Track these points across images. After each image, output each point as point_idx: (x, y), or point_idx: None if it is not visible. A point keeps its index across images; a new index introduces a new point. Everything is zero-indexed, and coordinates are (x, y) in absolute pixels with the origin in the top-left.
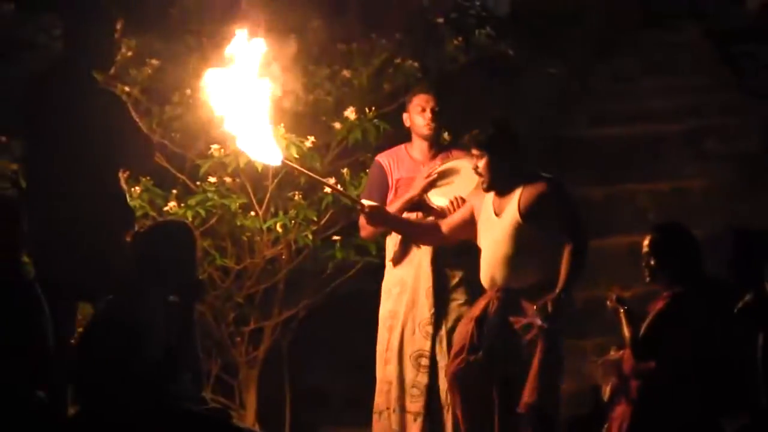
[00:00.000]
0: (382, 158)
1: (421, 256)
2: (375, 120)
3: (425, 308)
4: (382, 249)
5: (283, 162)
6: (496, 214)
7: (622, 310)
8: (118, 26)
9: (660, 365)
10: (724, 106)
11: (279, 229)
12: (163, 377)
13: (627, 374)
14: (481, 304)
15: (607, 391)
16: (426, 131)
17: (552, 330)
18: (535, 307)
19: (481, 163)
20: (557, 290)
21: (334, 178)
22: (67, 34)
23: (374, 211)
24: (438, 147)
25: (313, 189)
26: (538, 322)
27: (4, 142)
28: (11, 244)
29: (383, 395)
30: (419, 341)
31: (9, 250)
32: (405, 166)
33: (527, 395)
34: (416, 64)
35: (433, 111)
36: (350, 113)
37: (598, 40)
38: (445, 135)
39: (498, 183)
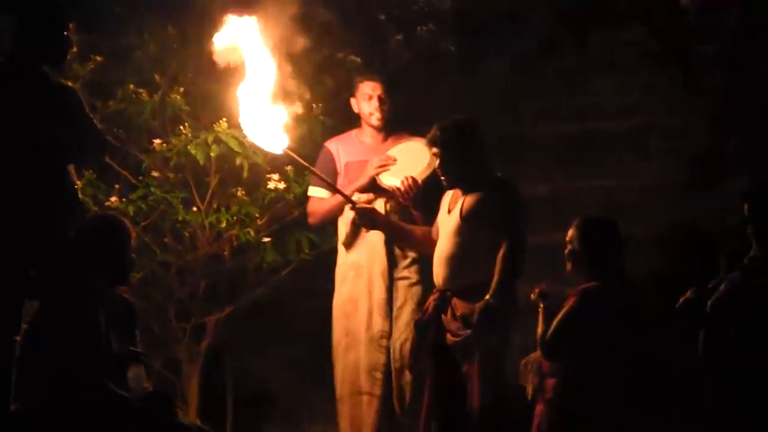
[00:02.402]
0: (331, 144)
1: (374, 237)
2: (320, 116)
3: (382, 289)
4: (314, 247)
5: (284, 151)
6: (448, 211)
7: (540, 306)
8: (71, 24)
9: (571, 363)
10: (670, 104)
11: (221, 224)
12: (104, 372)
13: (544, 372)
14: (421, 312)
15: (530, 390)
16: (374, 121)
17: (486, 338)
18: (464, 312)
19: (439, 162)
20: (487, 297)
21: (278, 175)
22: (19, 29)
23: (364, 212)
24: (388, 131)
25: (256, 185)
26: (464, 331)
27: None
28: None
29: (347, 383)
30: (379, 322)
31: None
32: (354, 150)
33: (474, 402)
34: (359, 60)
35: (380, 98)
36: (298, 107)
37: (543, 37)
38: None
39: (455, 181)
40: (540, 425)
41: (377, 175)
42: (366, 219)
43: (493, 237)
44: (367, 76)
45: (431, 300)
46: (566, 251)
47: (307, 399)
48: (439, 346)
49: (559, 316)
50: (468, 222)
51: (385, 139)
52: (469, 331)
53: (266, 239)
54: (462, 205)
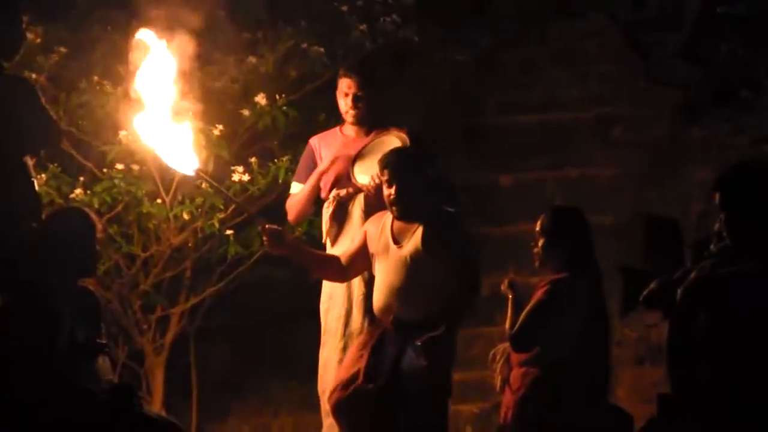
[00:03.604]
0: (314, 140)
1: (354, 232)
2: (284, 107)
3: (361, 284)
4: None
5: (196, 172)
6: (396, 243)
7: (510, 296)
8: (24, 16)
9: (540, 354)
10: (632, 94)
11: (185, 216)
12: (69, 364)
13: (512, 363)
14: (374, 334)
15: (498, 381)
16: (349, 118)
17: (436, 366)
18: (419, 342)
19: (393, 190)
20: (439, 329)
21: (242, 167)
22: None
23: (273, 234)
24: (371, 125)
25: (221, 177)
26: (422, 361)
27: None
28: None
29: (323, 380)
30: (358, 319)
31: None
32: (335, 144)
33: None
34: (322, 50)
35: (354, 96)
36: (261, 99)
37: (505, 28)
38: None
39: (409, 211)
40: (506, 415)
41: (335, 158)
42: (275, 242)
43: (449, 268)
44: (344, 72)
45: (389, 330)
46: (536, 242)
47: (272, 391)
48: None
49: (528, 307)
50: (428, 252)
51: (368, 133)
52: (424, 363)
53: (229, 231)
54: (419, 236)
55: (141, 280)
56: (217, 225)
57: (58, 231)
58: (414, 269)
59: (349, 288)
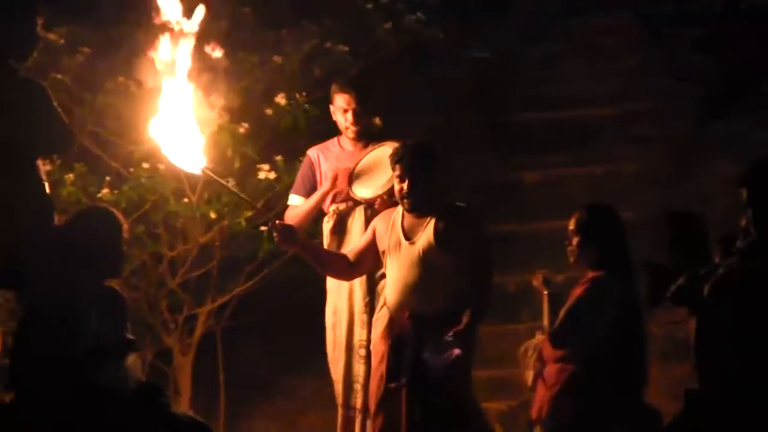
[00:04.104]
0: (312, 152)
1: (355, 244)
2: (306, 105)
3: (360, 297)
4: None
5: (203, 171)
6: (407, 239)
7: (545, 293)
8: (39, 18)
9: (577, 351)
10: (655, 90)
11: (212, 215)
12: (95, 364)
13: (546, 358)
14: (395, 331)
15: (530, 376)
16: (349, 134)
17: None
18: (451, 334)
19: (406, 184)
20: (465, 323)
21: (268, 165)
22: None
23: (285, 230)
24: (368, 138)
25: (247, 175)
26: (456, 351)
27: None
28: None
29: (338, 395)
30: (359, 332)
31: None
32: (335, 157)
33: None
34: (346, 49)
35: (354, 112)
36: (281, 99)
37: (528, 24)
38: (377, 120)
39: (420, 205)
40: (540, 411)
41: (335, 177)
42: (287, 238)
43: (466, 264)
44: (341, 89)
45: (408, 326)
46: (570, 240)
47: (300, 389)
48: (417, 366)
49: (569, 304)
50: (442, 247)
51: (366, 146)
52: (458, 351)
53: (262, 228)
54: (431, 231)
55: (168, 279)
56: (244, 223)
57: (83, 231)
58: (427, 264)
59: (350, 300)
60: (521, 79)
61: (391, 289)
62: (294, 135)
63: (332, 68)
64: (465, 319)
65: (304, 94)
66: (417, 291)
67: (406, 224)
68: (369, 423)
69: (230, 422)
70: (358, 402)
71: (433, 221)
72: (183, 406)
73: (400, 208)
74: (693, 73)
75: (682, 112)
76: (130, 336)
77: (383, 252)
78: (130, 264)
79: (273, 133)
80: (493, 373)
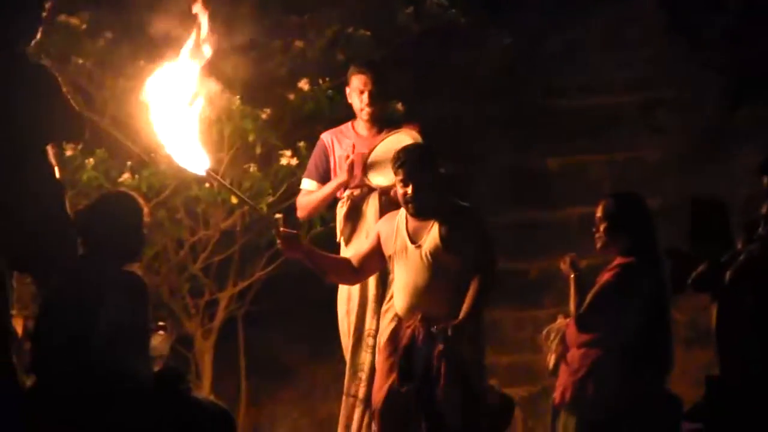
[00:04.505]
0: (326, 136)
1: (369, 230)
2: (329, 91)
3: (373, 286)
4: (324, 223)
5: (207, 173)
6: (413, 242)
7: (572, 276)
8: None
9: (603, 336)
10: (678, 77)
11: (233, 200)
12: (114, 348)
13: (570, 343)
14: (407, 333)
15: (552, 360)
16: (364, 116)
17: (454, 358)
18: (435, 328)
19: (409, 189)
20: (460, 317)
21: (290, 151)
22: None
23: (288, 237)
24: (382, 123)
25: (269, 161)
26: (439, 345)
27: None
28: None
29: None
30: (369, 320)
31: None
32: (348, 143)
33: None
34: (369, 33)
35: (370, 93)
36: (304, 84)
37: (551, 11)
38: (399, 106)
39: (425, 209)
40: (564, 396)
41: (350, 167)
42: (290, 245)
43: (470, 263)
44: (358, 69)
45: (419, 328)
46: (597, 227)
47: (321, 375)
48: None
49: (596, 288)
50: (448, 249)
51: (380, 131)
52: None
53: (278, 215)
54: (436, 233)
55: (189, 264)
56: (265, 208)
57: (104, 215)
58: (434, 266)
59: (363, 289)
60: (545, 66)
61: (399, 293)
62: (316, 121)
63: (354, 53)
64: (461, 314)
65: (327, 79)
66: (426, 294)
67: (410, 228)
68: (368, 413)
69: (251, 407)
70: (361, 392)
71: (437, 224)
72: (204, 390)
73: (403, 211)
74: (716, 61)
75: (705, 100)
76: (160, 323)
77: (389, 257)
78: (151, 249)
79: (295, 119)
80: (515, 359)
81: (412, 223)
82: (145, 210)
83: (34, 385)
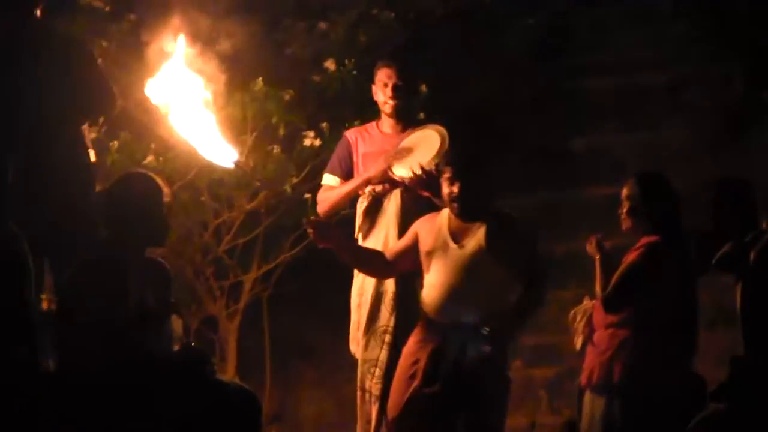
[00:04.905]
0: (350, 134)
1: (389, 226)
2: (353, 72)
3: (391, 282)
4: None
5: (235, 164)
6: (456, 243)
7: (598, 257)
8: None
9: (630, 316)
10: (704, 56)
11: (257, 182)
12: (139, 329)
13: (597, 324)
14: (432, 335)
15: (579, 341)
16: (387, 109)
17: (494, 361)
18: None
19: (456, 188)
20: (507, 324)
21: (313, 132)
22: None
23: (321, 227)
24: (408, 120)
25: (292, 143)
26: (485, 348)
27: None
28: None
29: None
30: (385, 316)
31: None
32: (373, 141)
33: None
34: (392, 15)
35: (395, 86)
36: (330, 64)
37: None
38: (423, 88)
39: (469, 210)
40: (591, 377)
41: (385, 168)
42: (323, 235)
43: (515, 271)
44: (383, 63)
45: (449, 332)
46: (622, 207)
47: (345, 356)
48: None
49: (622, 268)
50: (493, 253)
51: (404, 129)
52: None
53: (307, 195)
54: (482, 236)
55: (213, 246)
56: (289, 190)
57: (122, 195)
58: (475, 269)
59: (378, 283)
60: (571, 46)
61: (432, 292)
62: (339, 102)
63: (378, 36)
64: (507, 321)
65: (352, 60)
66: (461, 295)
67: (453, 227)
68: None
69: (276, 388)
70: (375, 388)
71: (484, 227)
72: (229, 373)
73: (444, 212)
74: (743, 40)
75: (731, 79)
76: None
77: (427, 253)
78: (175, 231)
79: (318, 100)
80: (540, 340)
81: (456, 222)
82: (165, 190)
83: (59, 367)
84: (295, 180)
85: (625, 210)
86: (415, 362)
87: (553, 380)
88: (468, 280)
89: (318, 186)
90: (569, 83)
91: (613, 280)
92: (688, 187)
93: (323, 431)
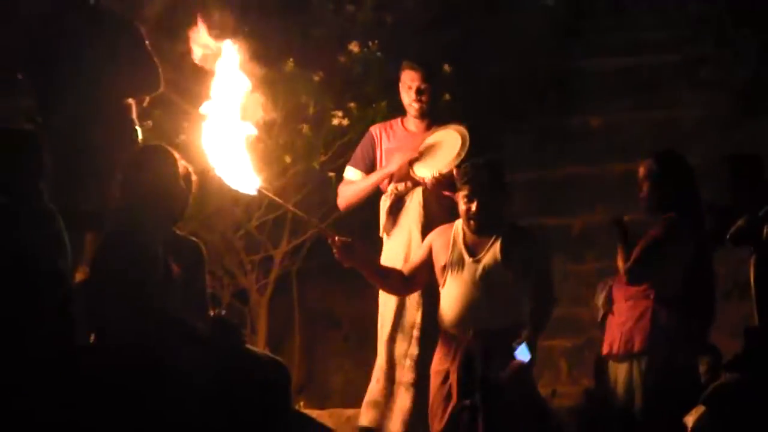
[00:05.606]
0: (375, 129)
1: (411, 226)
2: (378, 54)
3: None
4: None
5: (259, 191)
6: (472, 256)
7: (618, 231)
8: None
9: (650, 288)
10: (719, 35)
11: (287, 159)
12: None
13: (617, 297)
14: (458, 351)
15: (600, 313)
16: (412, 111)
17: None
18: (519, 342)
19: (474, 205)
20: (525, 335)
21: (341, 112)
22: None
23: (345, 246)
24: (433, 119)
25: (321, 121)
26: (525, 358)
27: (20, 79)
28: (33, 174)
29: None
30: (412, 313)
31: (31, 181)
32: (397, 137)
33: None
34: None
35: (418, 90)
36: (354, 47)
37: None
38: (446, 67)
39: (488, 227)
40: (611, 349)
41: (405, 162)
42: (347, 254)
43: (525, 282)
44: (408, 65)
45: (472, 343)
46: (641, 186)
47: (373, 328)
48: (486, 385)
49: (644, 242)
50: (507, 268)
51: (429, 127)
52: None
53: (331, 174)
54: (498, 250)
55: (244, 222)
56: (317, 167)
57: (136, 169)
58: (491, 281)
59: None
60: (586, 25)
61: (449, 305)
62: (366, 83)
63: (403, 16)
64: (525, 333)
65: (376, 42)
66: (479, 308)
67: (468, 241)
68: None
69: (305, 359)
70: (408, 377)
71: (499, 240)
72: (259, 344)
73: (458, 224)
74: (757, 18)
75: (745, 58)
76: (207, 286)
77: (443, 267)
78: (207, 207)
79: (346, 81)
80: (558, 312)
81: (471, 237)
82: (181, 163)
83: (95, 341)
84: (323, 158)
85: (643, 190)
86: (445, 379)
87: (573, 350)
88: (484, 292)
89: (344, 164)
90: (586, 62)
91: (635, 253)
92: (702, 163)
93: (351, 400)
